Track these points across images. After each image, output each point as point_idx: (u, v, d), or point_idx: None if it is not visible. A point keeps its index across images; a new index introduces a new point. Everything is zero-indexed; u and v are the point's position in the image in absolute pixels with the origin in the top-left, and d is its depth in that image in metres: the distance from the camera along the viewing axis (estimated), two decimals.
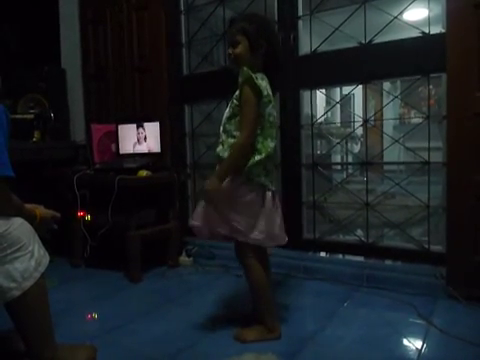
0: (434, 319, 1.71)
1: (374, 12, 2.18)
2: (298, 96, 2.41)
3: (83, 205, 2.49)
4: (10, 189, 1.24)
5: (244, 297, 1.83)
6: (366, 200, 2.29)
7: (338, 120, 4.55)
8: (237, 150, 1.49)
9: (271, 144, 1.52)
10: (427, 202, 2.13)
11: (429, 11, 2.07)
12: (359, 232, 2.38)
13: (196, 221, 1.57)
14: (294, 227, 2.37)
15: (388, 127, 3.70)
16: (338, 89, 3.32)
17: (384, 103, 2.49)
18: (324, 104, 3.36)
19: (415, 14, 2.21)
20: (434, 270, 2.01)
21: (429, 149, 2.11)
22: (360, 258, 2.29)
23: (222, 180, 1.48)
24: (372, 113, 2.59)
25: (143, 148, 2.64)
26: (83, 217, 2.51)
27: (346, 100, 3.35)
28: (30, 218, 1.33)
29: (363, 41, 2.20)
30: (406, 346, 1.55)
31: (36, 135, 2.69)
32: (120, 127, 2.72)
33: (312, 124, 2.45)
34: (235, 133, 1.52)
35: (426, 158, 2.12)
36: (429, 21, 2.04)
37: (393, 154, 3.12)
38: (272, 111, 1.54)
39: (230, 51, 1.56)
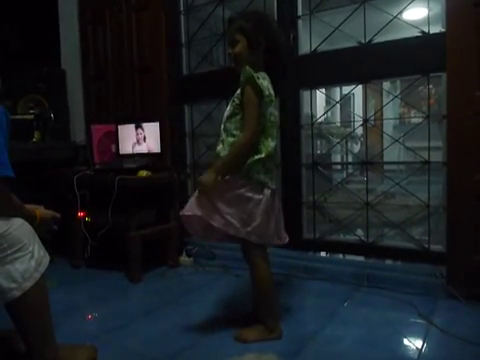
0: (434, 318, 1.71)
1: (374, 12, 2.18)
2: (298, 96, 2.41)
3: (83, 205, 2.49)
4: (10, 189, 1.24)
5: (244, 297, 1.84)
6: (366, 200, 2.29)
7: (338, 120, 4.55)
8: (238, 148, 1.49)
9: (272, 144, 1.52)
10: (427, 202, 2.13)
11: (429, 10, 2.07)
12: (359, 232, 2.38)
13: (187, 211, 1.54)
14: (294, 227, 2.37)
15: (388, 127, 3.70)
16: (338, 89, 3.32)
17: (384, 103, 2.50)
18: (324, 104, 3.36)
19: (415, 13, 2.21)
20: (434, 270, 2.01)
21: (429, 149, 2.11)
22: (360, 258, 2.29)
23: (218, 174, 1.48)
24: (372, 113, 2.59)
25: (142, 148, 2.64)
26: (83, 217, 2.51)
27: (346, 100, 3.35)
28: (30, 218, 1.33)
29: (363, 41, 2.20)
30: (406, 346, 1.55)
31: (36, 135, 2.69)
32: (120, 127, 2.72)
33: (312, 124, 2.45)
34: (235, 132, 1.52)
35: (426, 158, 2.12)
36: (429, 20, 2.04)
37: (393, 154, 3.13)
38: (273, 111, 1.54)
39: (230, 51, 1.56)
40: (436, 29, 1.99)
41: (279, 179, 2.42)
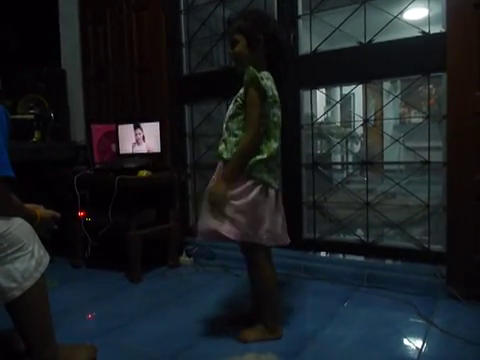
0: (434, 318, 1.71)
1: (374, 12, 2.18)
2: (298, 96, 2.41)
3: (83, 205, 2.49)
4: (10, 189, 1.24)
5: (244, 297, 1.84)
6: (366, 200, 2.29)
7: (338, 120, 4.55)
8: (241, 151, 1.48)
9: (274, 145, 1.52)
10: (427, 202, 2.13)
11: (429, 10, 2.06)
12: (359, 232, 2.38)
13: (202, 227, 1.55)
14: (294, 227, 2.36)
15: (388, 127, 3.69)
16: (338, 89, 3.31)
17: (384, 103, 2.49)
18: (324, 104, 3.36)
19: (415, 13, 2.21)
20: (434, 269, 2.01)
21: (429, 149, 2.11)
22: (360, 258, 2.29)
23: (229, 183, 1.48)
24: (372, 113, 2.58)
25: (142, 148, 2.64)
26: (83, 217, 2.51)
27: (346, 100, 3.35)
28: (30, 218, 1.33)
29: (363, 41, 2.20)
30: (406, 346, 1.55)
31: (36, 135, 2.69)
32: (120, 127, 2.72)
33: (312, 124, 2.45)
34: (237, 132, 1.52)
35: (426, 158, 2.12)
36: (429, 20, 2.04)
37: (393, 154, 3.12)
38: (277, 111, 1.53)
39: (230, 51, 1.56)
40: (436, 29, 1.99)
41: (279, 179, 2.42)
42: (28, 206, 1.39)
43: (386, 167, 2.74)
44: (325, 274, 2.24)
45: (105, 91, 3.08)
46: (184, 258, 2.60)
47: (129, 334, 1.67)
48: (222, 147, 1.55)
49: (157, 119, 2.59)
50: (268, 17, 1.61)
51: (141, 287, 2.27)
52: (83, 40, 3.17)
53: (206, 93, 2.76)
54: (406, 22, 2.12)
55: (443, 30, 1.95)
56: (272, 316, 1.60)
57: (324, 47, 2.34)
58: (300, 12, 2.38)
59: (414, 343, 1.55)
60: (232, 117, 1.54)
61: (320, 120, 2.61)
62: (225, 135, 1.56)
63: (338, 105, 2.91)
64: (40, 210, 1.43)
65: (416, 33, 2.06)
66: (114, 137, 2.74)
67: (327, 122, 3.10)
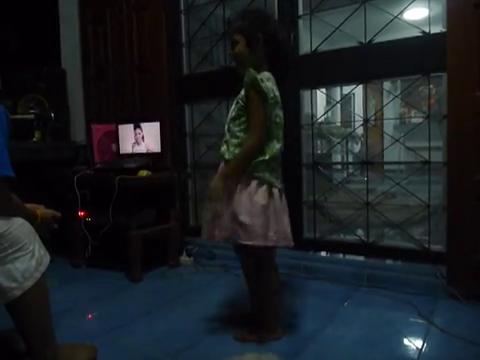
0: (434, 318, 1.71)
1: (374, 12, 2.18)
2: (298, 96, 2.41)
3: (83, 205, 2.49)
4: (10, 189, 1.24)
5: (245, 297, 1.83)
6: (366, 200, 2.29)
7: (338, 120, 4.54)
8: (244, 153, 1.48)
9: (276, 146, 1.51)
10: (427, 202, 2.13)
11: (429, 10, 2.06)
12: (359, 232, 2.38)
13: (206, 234, 1.56)
14: (294, 227, 2.34)
15: (388, 127, 3.69)
16: (338, 89, 3.31)
17: (384, 103, 2.49)
18: (324, 104, 3.36)
19: (415, 13, 2.20)
20: (434, 269, 2.01)
21: (430, 148, 2.11)
22: (360, 258, 2.29)
23: (226, 179, 1.48)
24: (372, 113, 2.58)
25: (141, 148, 2.65)
26: (84, 217, 2.51)
27: (346, 100, 3.35)
28: (31, 218, 1.33)
29: (363, 41, 2.20)
30: (407, 345, 1.55)
31: (36, 135, 2.70)
32: (120, 127, 2.72)
33: (312, 124, 2.45)
34: (239, 134, 1.51)
35: (426, 158, 2.12)
36: (429, 20, 2.04)
37: (393, 154, 3.12)
38: (279, 112, 1.52)
39: (231, 52, 1.56)
40: (437, 29, 1.99)
41: (282, 179, 2.42)
42: (28, 206, 1.39)
43: (386, 167, 2.74)
44: (325, 274, 2.24)
45: (105, 91, 3.08)
46: (184, 258, 2.60)
47: (129, 334, 1.67)
48: (224, 148, 1.55)
49: (157, 119, 2.59)
50: (268, 16, 1.60)
51: (141, 287, 2.27)
52: (83, 40, 3.17)
53: (206, 93, 2.76)
54: (406, 22, 2.12)
55: (443, 30, 1.95)
56: (273, 316, 1.60)
57: (324, 47, 2.34)
58: (300, 12, 2.38)
59: (414, 343, 1.55)
60: (234, 119, 1.54)
61: (320, 120, 2.61)
62: (227, 136, 1.56)
63: (338, 105, 2.91)
64: (41, 210, 1.43)
65: (416, 33, 2.06)
66: (114, 137, 2.74)
67: (327, 122, 3.10)
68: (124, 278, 2.35)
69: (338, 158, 3.89)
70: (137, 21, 2.87)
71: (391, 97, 2.39)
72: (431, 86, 2.13)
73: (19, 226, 1.23)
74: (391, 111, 3.95)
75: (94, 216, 2.50)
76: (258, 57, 1.52)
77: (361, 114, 2.37)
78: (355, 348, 1.51)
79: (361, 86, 2.32)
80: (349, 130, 3.00)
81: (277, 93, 1.52)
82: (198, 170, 2.91)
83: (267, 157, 1.49)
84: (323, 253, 2.43)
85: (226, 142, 1.55)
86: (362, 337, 1.59)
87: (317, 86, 2.42)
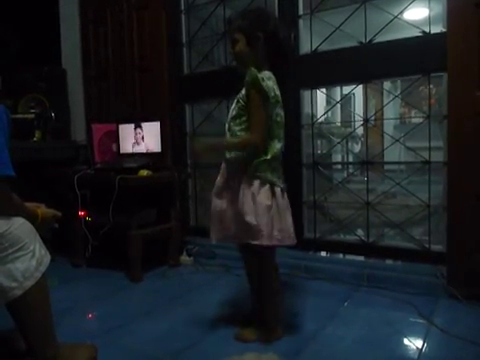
0: (435, 318, 1.71)
1: (374, 11, 2.18)
2: (298, 96, 2.41)
3: (84, 205, 2.49)
4: (11, 188, 1.24)
5: (245, 297, 1.83)
6: (367, 200, 2.29)
7: (338, 120, 4.54)
8: (241, 142, 1.49)
9: (278, 145, 1.51)
10: (428, 201, 2.13)
11: (430, 10, 2.06)
12: (360, 232, 2.38)
13: (215, 237, 1.58)
14: (295, 227, 2.36)
15: (389, 127, 3.69)
16: (338, 88, 3.31)
17: (384, 102, 2.49)
18: (324, 103, 3.36)
19: (415, 13, 2.20)
20: (434, 269, 2.01)
21: (430, 148, 2.11)
22: (361, 258, 2.29)
23: (212, 149, 1.53)
24: (372, 113, 2.58)
25: (141, 148, 2.65)
26: (84, 217, 2.51)
27: (346, 100, 3.35)
28: (31, 218, 1.33)
29: (363, 40, 2.20)
30: (407, 345, 1.55)
31: (37, 135, 2.70)
32: (120, 127, 2.72)
33: (312, 124, 2.45)
34: (239, 133, 1.51)
35: (427, 158, 2.12)
36: (430, 20, 2.04)
37: (394, 154, 3.12)
38: (279, 111, 1.52)
39: (231, 50, 1.56)
40: (437, 29, 1.99)
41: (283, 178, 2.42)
42: (29, 205, 1.39)
43: (386, 167, 2.73)
44: (325, 274, 2.24)
45: (106, 91, 3.08)
46: (184, 258, 2.60)
47: (129, 333, 1.67)
48: None
49: (158, 119, 2.59)
50: (268, 15, 1.59)
51: (141, 287, 2.27)
52: (84, 40, 3.17)
53: (207, 93, 2.76)
54: (406, 22, 2.12)
55: (443, 30, 1.94)
56: (273, 316, 1.60)
57: (324, 47, 2.34)
58: (301, 12, 2.38)
59: (414, 343, 1.55)
60: (234, 118, 1.54)
61: (320, 120, 2.61)
62: (227, 136, 1.56)
63: (338, 105, 2.91)
64: (41, 209, 1.43)
65: (416, 33, 2.06)
66: (115, 137, 2.74)
67: (327, 122, 3.10)
68: (124, 278, 2.35)
69: (338, 158, 3.89)
70: (137, 21, 2.87)
71: (391, 97, 2.39)
72: (431, 86, 2.12)
73: (20, 226, 1.23)
74: (391, 111, 3.95)
75: (94, 216, 2.50)
76: (258, 56, 1.52)
77: (361, 114, 2.37)
78: (355, 348, 1.51)
79: (361, 86, 2.32)
80: (349, 130, 3.00)
81: (278, 92, 1.51)
82: (198, 170, 2.91)
83: (269, 157, 1.49)
84: (323, 253, 2.44)
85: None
86: (362, 337, 1.59)
87: (317, 86, 2.42)
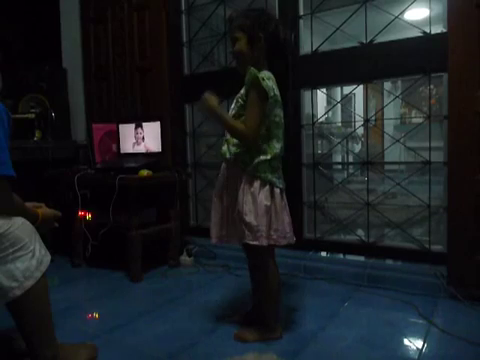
0: (435, 319, 1.71)
1: (375, 12, 2.18)
2: (299, 96, 2.41)
3: (84, 205, 2.49)
4: (11, 188, 1.24)
5: (245, 297, 1.84)
6: (367, 200, 2.29)
7: (339, 120, 4.54)
8: (234, 127, 1.47)
9: (277, 145, 1.51)
10: (428, 202, 2.13)
11: (430, 11, 2.06)
12: (360, 232, 2.38)
13: (215, 237, 1.59)
14: (295, 227, 2.36)
15: (389, 127, 3.69)
16: (339, 89, 3.31)
17: (385, 103, 2.49)
18: (325, 104, 3.36)
19: (416, 14, 2.20)
20: (435, 270, 2.01)
21: (430, 149, 2.11)
22: (361, 258, 2.29)
23: (214, 112, 1.50)
24: (373, 113, 2.58)
25: (141, 148, 2.65)
26: (84, 217, 2.51)
27: (347, 100, 3.35)
28: (32, 218, 1.33)
29: (364, 41, 2.20)
30: (407, 346, 1.55)
31: (37, 134, 2.70)
32: (121, 127, 2.72)
33: (313, 124, 2.45)
34: None
35: (427, 158, 2.12)
36: (430, 21, 2.04)
37: (394, 154, 3.12)
38: (278, 111, 1.52)
39: (231, 49, 1.55)
40: (437, 29, 2.00)
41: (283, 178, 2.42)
42: (30, 204, 1.40)
43: (387, 167, 2.73)
44: (326, 274, 2.24)
45: (106, 90, 3.08)
46: (185, 258, 2.60)
47: (129, 333, 1.67)
48: (225, 147, 1.56)
49: (158, 118, 2.59)
50: (269, 15, 1.59)
51: (141, 287, 2.27)
52: (84, 39, 3.18)
53: None
54: (407, 22, 2.12)
55: (444, 30, 1.95)
56: (273, 316, 1.60)
57: (325, 47, 2.34)
58: (301, 12, 2.38)
59: (414, 343, 1.55)
60: (233, 118, 1.54)
61: (321, 120, 2.61)
62: (227, 136, 1.56)
63: (339, 105, 2.91)
64: (42, 209, 1.44)
65: (417, 33, 2.06)
66: (115, 136, 2.74)
67: (328, 122, 3.10)
68: (124, 278, 2.35)
69: (339, 158, 3.89)
70: (138, 21, 2.87)
71: (392, 97, 2.39)
72: (432, 86, 2.12)
73: (20, 226, 1.23)
74: (392, 111, 3.95)
75: (94, 216, 2.50)
76: (258, 56, 1.52)
77: (362, 114, 2.37)
78: (355, 348, 1.51)
79: (362, 86, 2.32)
80: (350, 130, 3.00)
81: (277, 92, 1.51)
82: (199, 170, 2.91)
83: (269, 157, 1.49)
84: (323, 253, 2.43)
85: (226, 141, 1.56)
86: (362, 337, 1.59)
87: (318, 86, 2.42)
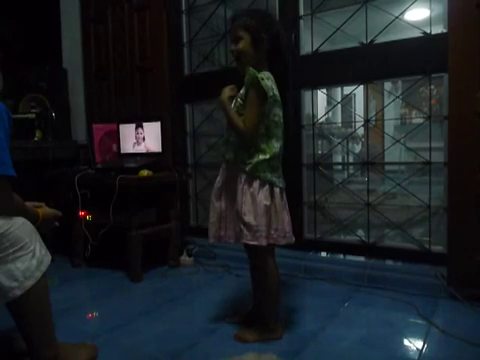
0: (435, 319, 1.71)
1: (375, 12, 2.18)
2: (299, 96, 2.41)
3: (84, 205, 2.49)
4: (12, 188, 1.24)
5: (245, 297, 1.84)
6: (367, 200, 2.29)
7: (339, 120, 4.54)
8: (236, 123, 1.48)
9: (276, 144, 1.51)
10: (428, 202, 2.13)
11: (431, 11, 2.06)
12: (360, 232, 2.38)
13: (213, 237, 1.59)
14: (295, 227, 2.36)
15: (389, 127, 3.69)
16: (339, 89, 3.31)
17: (385, 103, 2.49)
18: (325, 104, 3.36)
19: (416, 14, 2.20)
20: (435, 270, 2.01)
21: (430, 149, 2.11)
22: (361, 258, 2.29)
23: (225, 105, 1.52)
24: (373, 113, 2.58)
25: (141, 148, 2.65)
26: (84, 217, 2.51)
27: (347, 100, 3.35)
28: (32, 217, 1.33)
29: (364, 41, 2.20)
30: (407, 346, 1.55)
31: (37, 134, 2.70)
32: (121, 127, 2.72)
33: (313, 124, 2.45)
34: None
35: (427, 158, 2.12)
36: (431, 21, 2.04)
37: (394, 154, 3.11)
38: (278, 111, 1.52)
39: (233, 47, 1.54)
40: (438, 30, 2.00)
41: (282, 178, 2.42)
42: (30, 204, 1.39)
43: (387, 168, 2.73)
44: (326, 274, 2.24)
45: (106, 90, 3.09)
46: (185, 258, 2.60)
47: (130, 333, 1.67)
48: (224, 147, 1.56)
49: (158, 119, 2.59)
50: (273, 18, 1.61)
51: (141, 287, 2.27)
52: (84, 39, 3.18)
53: (207, 93, 2.74)
54: (407, 22, 2.12)
55: (444, 31, 1.95)
56: (273, 316, 1.60)
57: (325, 47, 2.34)
58: (302, 12, 2.38)
59: (415, 343, 1.55)
60: None
61: (321, 120, 2.61)
62: (227, 136, 1.56)
63: (339, 105, 2.91)
64: (42, 209, 1.44)
65: (417, 34, 2.06)
66: (115, 137, 2.74)
67: (328, 122, 3.10)
68: (124, 278, 2.35)
69: (339, 158, 3.88)
70: (138, 21, 2.87)
71: (392, 98, 2.39)
72: (432, 87, 2.12)
73: (20, 226, 1.23)
74: (392, 112, 3.95)
75: (95, 216, 2.50)
76: (260, 57, 1.52)
77: (362, 114, 2.37)
78: (355, 348, 1.51)
79: (362, 86, 2.32)
80: (350, 130, 3.00)
81: (276, 92, 1.51)
82: (199, 170, 2.91)
83: (268, 156, 1.49)
84: (324, 253, 2.43)
85: (227, 141, 1.56)
86: (362, 337, 1.59)
87: (318, 86, 2.42)
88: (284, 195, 1.56)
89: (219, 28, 2.79)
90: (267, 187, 1.49)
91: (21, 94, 2.85)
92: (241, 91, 1.53)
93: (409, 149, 2.44)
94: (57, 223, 1.51)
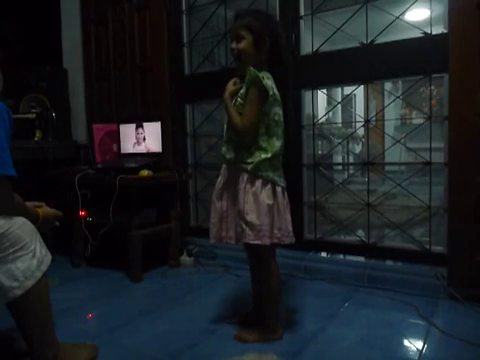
0: (435, 319, 1.71)
1: (376, 12, 2.18)
2: (299, 96, 2.41)
3: (84, 205, 2.49)
4: (12, 188, 1.24)
5: (245, 297, 1.84)
6: (367, 200, 2.29)
7: (339, 120, 4.54)
8: (234, 118, 1.49)
9: (277, 143, 1.51)
10: (428, 203, 2.13)
11: (431, 11, 2.06)
12: (360, 232, 2.38)
13: (214, 237, 1.59)
14: (295, 227, 2.36)
15: (389, 127, 3.69)
16: (339, 89, 3.31)
17: (386, 103, 2.49)
18: (325, 104, 3.36)
19: (417, 14, 2.20)
20: (435, 271, 2.01)
21: (431, 149, 2.11)
22: (361, 258, 2.29)
23: (224, 100, 1.53)
24: (373, 113, 2.58)
25: (142, 148, 2.65)
26: (84, 217, 2.51)
27: (347, 100, 3.35)
28: (32, 217, 1.33)
29: (365, 41, 2.20)
30: (407, 346, 1.55)
31: (38, 134, 2.70)
32: (121, 127, 2.72)
33: (313, 124, 2.45)
34: None
35: (427, 159, 2.12)
36: (431, 21, 2.04)
37: (394, 154, 3.12)
38: (278, 110, 1.52)
39: (234, 46, 1.53)
40: (438, 30, 2.00)
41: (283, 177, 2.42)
42: (30, 205, 1.39)
43: (387, 168, 2.74)
44: (326, 274, 2.24)
45: (107, 90, 3.09)
46: (185, 258, 2.60)
47: (130, 334, 1.67)
48: (225, 148, 1.56)
49: (158, 119, 2.60)
50: (275, 20, 1.61)
51: (142, 287, 2.27)
52: (85, 39, 3.18)
53: (207, 93, 2.76)
54: (408, 23, 2.12)
55: (445, 31, 1.95)
56: (274, 316, 1.60)
57: (326, 47, 2.34)
58: (302, 12, 2.38)
59: (415, 344, 1.55)
60: None
61: (321, 120, 2.61)
62: (227, 136, 1.56)
63: (339, 106, 2.91)
64: (43, 209, 1.44)
65: (418, 34, 2.06)
66: (116, 137, 2.74)
67: (328, 122, 3.10)
68: (124, 278, 2.35)
69: (339, 159, 3.89)
70: (139, 21, 2.87)
71: (392, 98, 2.39)
72: (432, 87, 2.12)
73: (21, 225, 1.23)
74: (392, 112, 3.95)
75: (95, 216, 2.50)
76: (261, 58, 1.53)
77: (362, 115, 2.37)
78: (355, 349, 1.51)
79: (362, 87, 2.32)
80: (350, 131, 3.00)
81: (276, 91, 1.52)
82: (199, 170, 2.91)
83: (269, 155, 1.49)
84: (324, 254, 2.43)
85: (227, 141, 1.56)
86: (362, 338, 1.59)
87: (318, 87, 2.42)
88: (286, 194, 1.56)
89: (219, 28, 2.79)
90: (269, 186, 1.49)
91: (21, 94, 2.85)
92: (241, 91, 1.53)
93: (409, 149, 2.44)
94: (57, 223, 1.51)
